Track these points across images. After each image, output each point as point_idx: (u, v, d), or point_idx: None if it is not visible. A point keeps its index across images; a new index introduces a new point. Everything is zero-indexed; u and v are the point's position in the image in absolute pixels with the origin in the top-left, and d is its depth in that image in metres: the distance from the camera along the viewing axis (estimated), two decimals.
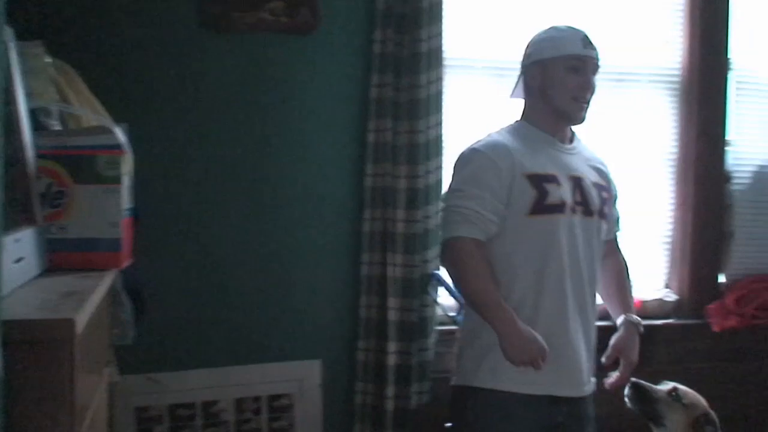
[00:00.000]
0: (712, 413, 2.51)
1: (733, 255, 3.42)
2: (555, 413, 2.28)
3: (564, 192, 2.28)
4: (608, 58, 2.60)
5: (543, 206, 2.25)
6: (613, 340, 2.42)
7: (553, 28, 2.40)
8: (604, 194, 2.39)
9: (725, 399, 2.77)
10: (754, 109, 3.44)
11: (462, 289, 2.33)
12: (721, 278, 3.43)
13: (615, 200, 2.51)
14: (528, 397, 2.25)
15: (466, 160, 2.34)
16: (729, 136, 3.39)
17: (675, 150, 3.38)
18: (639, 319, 2.45)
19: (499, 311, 2.19)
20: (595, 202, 2.34)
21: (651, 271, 3.39)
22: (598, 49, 2.36)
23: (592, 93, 2.36)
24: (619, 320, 2.45)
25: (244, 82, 2.85)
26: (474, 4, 3.12)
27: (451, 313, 2.88)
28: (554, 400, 2.27)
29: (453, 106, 3.06)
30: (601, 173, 2.45)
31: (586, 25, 2.44)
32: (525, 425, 2.27)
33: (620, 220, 2.57)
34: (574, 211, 2.29)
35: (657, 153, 3.37)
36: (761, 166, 3.45)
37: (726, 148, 3.39)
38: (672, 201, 3.40)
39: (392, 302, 2.89)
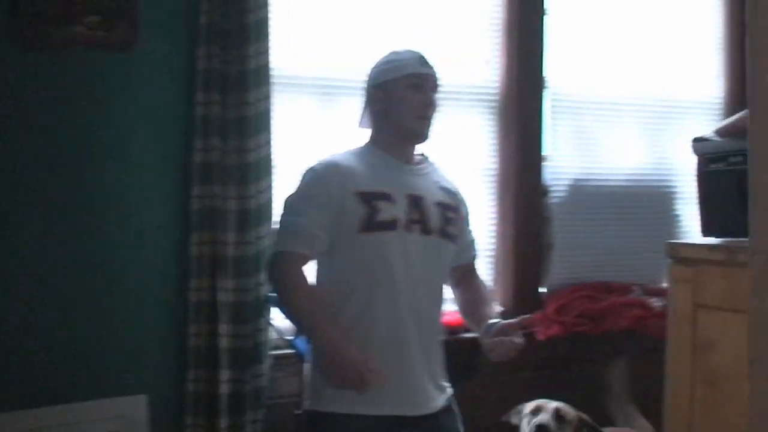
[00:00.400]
0: (585, 416, 2.63)
1: (552, 266, 3.55)
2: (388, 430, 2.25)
3: (397, 209, 2.28)
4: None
5: (373, 223, 2.26)
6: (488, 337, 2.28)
7: (392, 53, 2.45)
8: (450, 214, 2.40)
9: None
10: (568, 125, 3.59)
11: (282, 302, 2.35)
12: (543, 289, 3.55)
13: (466, 223, 2.55)
14: (372, 417, 2.22)
15: (301, 178, 2.38)
16: (546, 151, 3.51)
17: (495, 165, 3.46)
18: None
19: (318, 328, 2.19)
20: (434, 221, 2.34)
21: None
22: (435, 68, 2.43)
23: (434, 110, 2.41)
24: (487, 323, 2.34)
25: (60, 101, 2.66)
26: (301, 22, 3.07)
27: (288, 337, 2.80)
28: (399, 420, 2.25)
29: (282, 124, 2.99)
30: (450, 194, 2.46)
31: (411, 44, 2.51)
32: None
33: (475, 244, 2.61)
34: (409, 229, 2.29)
35: (477, 169, 3.44)
36: (576, 180, 3.60)
37: (543, 163, 3.51)
38: (493, 215, 3.49)
39: (224, 329, 2.77)
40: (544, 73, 3.49)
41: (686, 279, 1.50)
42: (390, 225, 2.27)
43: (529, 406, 2.71)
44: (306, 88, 3.09)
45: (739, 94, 3.94)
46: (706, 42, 3.94)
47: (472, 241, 2.59)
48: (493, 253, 3.50)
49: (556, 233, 3.54)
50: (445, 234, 2.37)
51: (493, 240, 3.49)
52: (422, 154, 2.51)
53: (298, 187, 2.36)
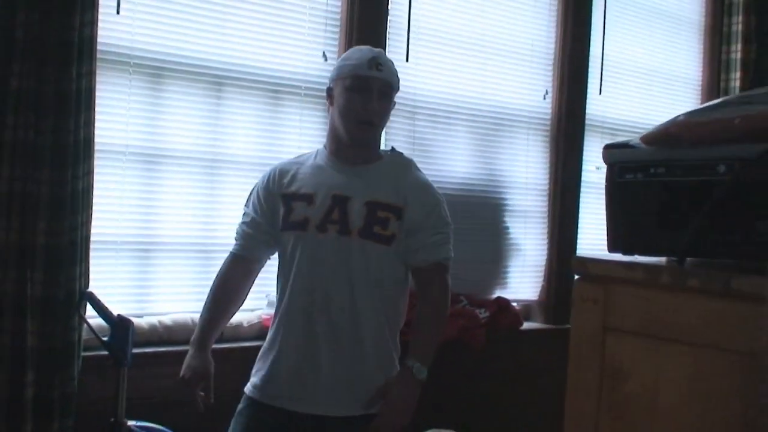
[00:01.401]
0: None
1: None
2: (293, 427, 2.33)
3: (313, 210, 2.35)
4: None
5: (287, 223, 2.39)
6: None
7: (351, 50, 2.52)
8: (382, 214, 2.35)
9: None
10: (402, 130, 3.53)
11: None
12: None
13: (423, 223, 2.39)
14: (267, 406, 2.36)
15: None
16: None
17: None
18: (419, 365, 2.33)
19: (198, 326, 2.49)
20: (355, 222, 2.33)
21: None
22: (390, 71, 2.41)
23: (379, 115, 2.39)
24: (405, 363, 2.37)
25: None
26: None
27: (104, 337, 2.56)
28: (291, 415, 2.33)
29: (106, 104, 2.77)
30: (398, 194, 2.38)
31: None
32: (252, 428, 2.37)
33: (436, 247, 2.40)
34: (322, 229, 2.34)
35: None
36: None
37: None
38: None
39: (31, 326, 2.50)
40: None
41: (595, 299, 1.34)
42: (301, 225, 2.36)
43: None
44: (136, 67, 2.86)
45: (567, 109, 4.05)
46: (538, 56, 4.01)
47: (430, 244, 2.40)
48: None
49: None
50: (368, 234, 2.34)
51: None
52: (389, 151, 2.55)
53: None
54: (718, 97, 4.80)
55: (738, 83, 4.71)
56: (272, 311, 2.78)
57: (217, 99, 3.07)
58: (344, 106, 2.37)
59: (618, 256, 1.43)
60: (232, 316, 2.60)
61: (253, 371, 2.44)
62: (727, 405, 1.18)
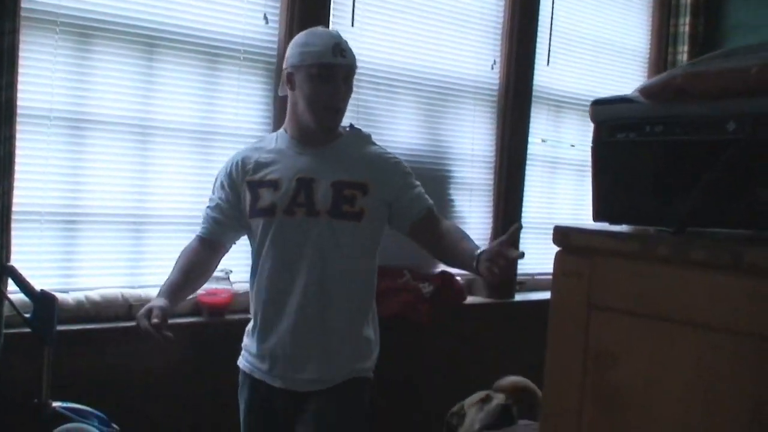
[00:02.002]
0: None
1: None
2: (272, 399, 2.44)
3: (279, 196, 2.39)
4: None
5: (255, 210, 2.43)
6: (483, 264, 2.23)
7: (309, 33, 2.47)
8: (348, 192, 2.40)
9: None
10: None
11: None
12: None
13: (397, 188, 2.46)
14: (251, 377, 2.48)
15: None
16: None
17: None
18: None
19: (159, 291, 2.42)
20: (322, 203, 2.38)
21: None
22: (351, 55, 2.44)
23: (344, 100, 2.45)
24: (475, 254, 2.27)
25: None
26: None
27: (26, 314, 2.40)
28: (271, 388, 2.43)
29: (30, 65, 2.59)
30: (362, 170, 2.43)
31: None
32: (250, 400, 2.49)
33: (420, 198, 2.49)
34: (290, 212, 2.38)
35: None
36: None
37: None
38: None
39: None
40: None
41: (579, 273, 1.18)
42: (268, 211, 2.40)
43: (473, 398, 2.55)
44: (63, 26, 2.68)
45: (514, 80, 3.97)
46: (486, 25, 3.91)
47: (415, 197, 2.49)
48: None
49: None
50: (338, 213, 2.39)
51: None
52: (347, 127, 2.57)
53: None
54: (665, 70, 4.77)
55: (685, 56, 4.67)
56: (210, 286, 2.92)
57: (149, 61, 2.89)
58: (311, 95, 2.39)
59: (606, 226, 1.28)
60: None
61: (243, 344, 2.54)
62: (736, 396, 1.03)
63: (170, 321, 2.60)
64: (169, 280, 2.43)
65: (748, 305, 1.02)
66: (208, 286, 2.87)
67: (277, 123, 3.17)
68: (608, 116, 1.27)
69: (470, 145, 3.90)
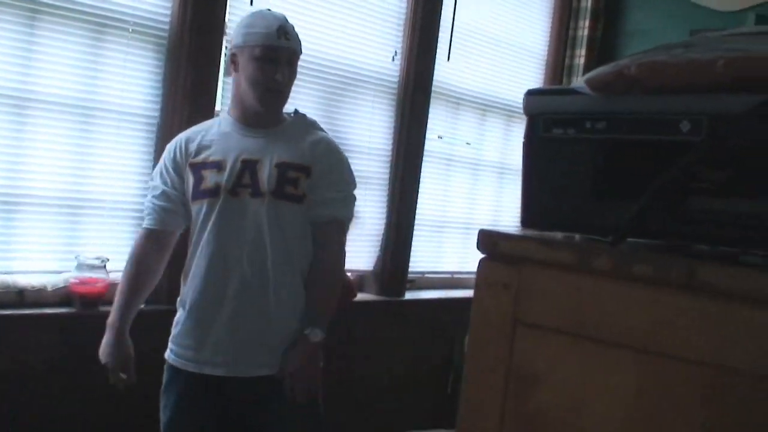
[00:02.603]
0: None
1: None
2: (214, 390, 2.38)
3: (222, 177, 2.37)
4: None
5: (198, 192, 2.40)
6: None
7: (254, 15, 2.47)
8: (292, 174, 2.39)
9: None
10: None
11: None
12: None
13: (316, 180, 2.42)
14: (179, 370, 2.40)
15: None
16: (218, 106, 3.13)
17: (157, 115, 3.00)
18: (312, 328, 2.37)
19: (114, 306, 2.43)
20: (266, 184, 2.37)
21: None
22: (295, 39, 2.45)
23: (287, 83, 2.44)
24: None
25: None
26: None
27: None
28: (203, 377, 2.37)
29: None
30: (304, 153, 2.42)
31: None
32: (181, 396, 2.41)
33: (333, 203, 2.44)
34: (235, 193, 2.37)
35: (133, 117, 2.97)
36: None
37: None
38: None
39: None
40: (226, 15, 3.10)
41: (505, 283, 1.05)
42: (212, 192, 2.38)
43: None
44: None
45: (415, 74, 3.87)
46: (388, 15, 3.80)
47: (329, 200, 2.44)
48: None
49: None
50: (281, 194, 2.38)
51: None
52: (292, 113, 2.56)
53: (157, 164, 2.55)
54: (562, 74, 4.78)
55: (583, 60, 4.69)
56: (84, 274, 2.78)
57: (30, 29, 2.67)
58: (253, 76, 2.39)
59: (537, 233, 1.14)
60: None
61: (171, 337, 2.45)
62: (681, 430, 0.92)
63: (38, 311, 2.42)
64: (122, 299, 2.44)
65: (701, 329, 0.91)
66: (80, 274, 2.66)
67: (168, 101, 2.98)
68: (544, 108, 1.12)
69: (367, 138, 3.79)
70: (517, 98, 4.62)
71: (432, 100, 4.01)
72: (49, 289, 2.75)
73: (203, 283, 2.38)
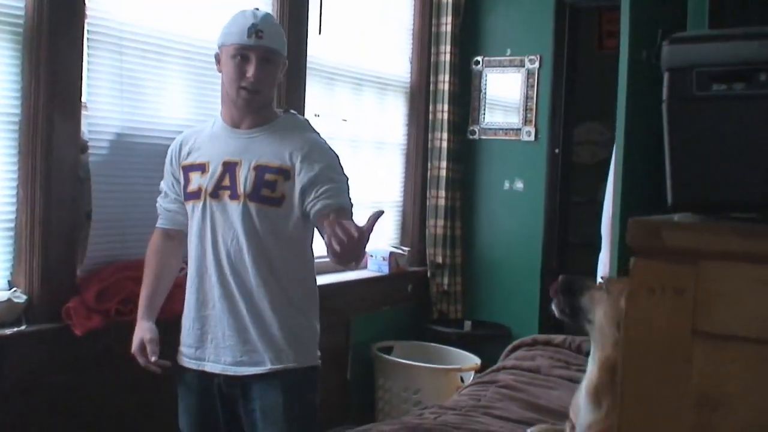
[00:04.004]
0: None
1: (91, 240, 2.85)
2: (208, 386, 2.47)
3: (206, 179, 2.43)
4: None
5: (186, 194, 2.49)
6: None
7: (234, 14, 2.46)
8: (270, 176, 2.39)
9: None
10: (108, 66, 2.90)
11: None
12: (79, 270, 2.84)
13: (315, 177, 2.39)
14: (185, 369, 2.51)
15: None
16: (84, 97, 2.81)
17: (17, 111, 2.65)
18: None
19: (140, 299, 2.55)
20: (243, 186, 2.38)
21: None
22: (272, 36, 2.42)
23: (262, 82, 2.41)
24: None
25: None
26: None
27: None
28: (206, 375, 2.46)
29: None
30: (289, 157, 2.40)
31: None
32: (189, 393, 2.53)
33: (333, 192, 2.38)
34: (216, 196, 2.41)
35: None
36: (119, 134, 2.95)
37: (81, 112, 2.79)
38: (14, 175, 2.67)
39: None
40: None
41: (676, 287, 0.79)
42: (196, 195, 2.45)
43: None
44: None
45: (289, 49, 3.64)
46: None
47: (327, 191, 2.38)
48: (12, 225, 2.69)
49: (96, 199, 2.86)
50: (256, 198, 2.38)
51: (14, 208, 2.68)
52: (284, 111, 2.57)
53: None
54: (429, 42, 4.66)
55: (449, 28, 4.60)
56: None
57: None
58: (228, 75, 2.42)
59: (711, 219, 0.88)
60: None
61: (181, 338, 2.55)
62: None
63: None
64: (144, 293, 2.54)
65: None
66: None
67: (28, 96, 2.63)
68: (698, 59, 0.86)
69: None
70: (390, 71, 4.53)
71: (308, 77, 3.80)
72: None
73: (191, 285, 2.48)
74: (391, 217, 4.69)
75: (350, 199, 2.46)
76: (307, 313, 2.51)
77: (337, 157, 2.51)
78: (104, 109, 2.90)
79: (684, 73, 0.88)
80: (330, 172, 2.43)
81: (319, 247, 2.43)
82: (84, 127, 2.81)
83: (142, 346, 2.45)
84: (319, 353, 2.54)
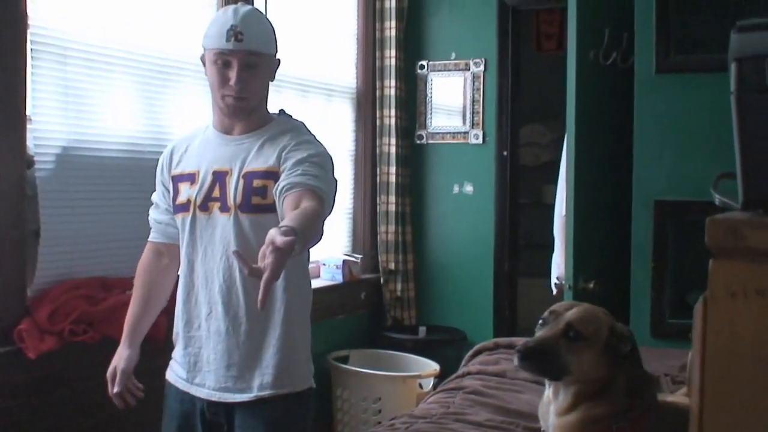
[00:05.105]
0: (618, 325, 1.81)
1: (41, 258, 2.74)
2: (197, 409, 2.30)
3: (195, 190, 2.26)
4: None
5: (175, 206, 2.32)
6: None
7: (216, 14, 2.31)
8: (259, 182, 2.18)
9: None
10: (53, 78, 2.79)
11: None
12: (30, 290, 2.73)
13: (290, 165, 2.14)
14: (176, 388, 2.34)
15: None
16: (29, 110, 2.70)
17: None
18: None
19: (125, 326, 2.42)
20: (233, 197, 2.20)
21: None
22: (253, 37, 2.18)
23: (248, 86, 2.20)
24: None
25: None
26: None
27: None
28: (190, 397, 2.30)
29: None
30: (279, 159, 2.18)
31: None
32: (175, 412, 2.34)
33: (302, 175, 2.08)
34: (205, 208, 2.25)
35: None
36: (65, 147, 2.84)
37: (26, 125, 2.68)
38: None
39: None
40: (27, 6, 2.66)
41: (761, 288, 0.70)
42: (185, 207, 2.28)
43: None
44: None
45: None
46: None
47: (293, 173, 2.10)
48: None
49: (44, 216, 2.74)
50: (248, 208, 2.19)
51: None
52: (278, 113, 2.36)
53: None
54: (374, 47, 4.63)
55: (393, 32, 4.59)
56: None
57: None
58: (212, 82, 2.25)
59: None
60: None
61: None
62: None
63: None
64: (129, 316, 2.41)
65: None
66: None
67: None
68: None
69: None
70: (336, 77, 4.48)
71: None
72: None
73: (179, 302, 2.32)
74: (342, 224, 4.64)
75: (331, 196, 2.19)
76: (302, 330, 2.33)
77: (331, 160, 2.26)
78: (50, 122, 2.79)
79: (756, 62, 0.83)
80: (314, 161, 2.17)
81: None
82: (29, 141, 2.71)
83: (113, 375, 2.34)
84: (312, 369, 2.35)
